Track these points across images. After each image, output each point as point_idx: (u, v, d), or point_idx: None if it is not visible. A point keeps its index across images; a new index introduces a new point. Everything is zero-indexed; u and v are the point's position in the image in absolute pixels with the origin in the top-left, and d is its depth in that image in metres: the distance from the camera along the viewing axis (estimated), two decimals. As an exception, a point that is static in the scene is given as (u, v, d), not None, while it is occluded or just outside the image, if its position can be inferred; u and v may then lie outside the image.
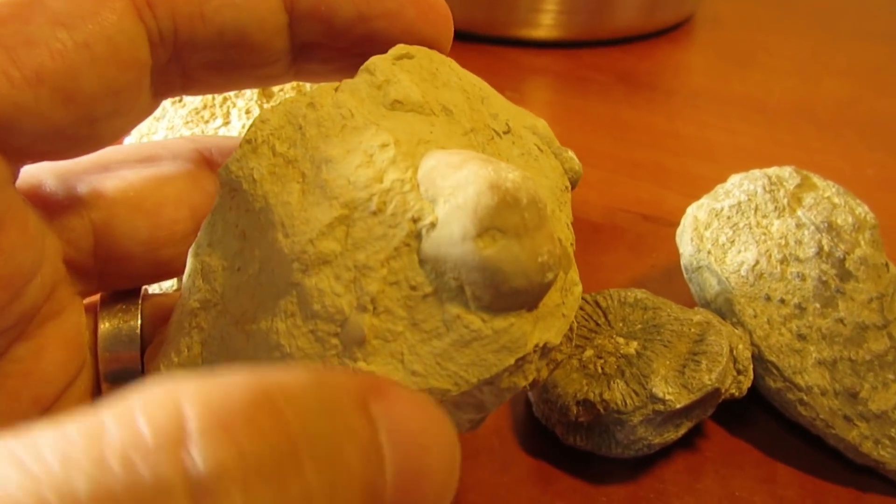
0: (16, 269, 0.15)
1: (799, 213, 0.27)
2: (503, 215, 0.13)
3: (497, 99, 0.17)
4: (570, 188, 0.17)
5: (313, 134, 0.15)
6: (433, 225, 0.13)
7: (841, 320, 0.25)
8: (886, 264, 0.26)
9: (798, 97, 0.50)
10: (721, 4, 0.66)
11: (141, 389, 0.10)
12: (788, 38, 0.60)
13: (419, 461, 0.11)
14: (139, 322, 0.19)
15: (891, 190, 0.40)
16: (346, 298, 0.14)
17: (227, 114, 0.28)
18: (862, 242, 0.26)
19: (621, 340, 0.24)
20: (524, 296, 0.14)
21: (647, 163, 0.41)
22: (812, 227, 0.26)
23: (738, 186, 0.28)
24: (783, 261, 0.26)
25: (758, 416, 0.26)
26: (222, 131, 0.28)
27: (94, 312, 0.19)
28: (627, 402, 0.23)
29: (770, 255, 0.26)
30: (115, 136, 0.17)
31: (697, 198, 0.30)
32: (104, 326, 0.18)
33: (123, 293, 0.19)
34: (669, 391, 0.23)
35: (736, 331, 0.25)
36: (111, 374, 0.18)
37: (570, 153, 0.18)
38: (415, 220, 0.14)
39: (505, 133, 0.17)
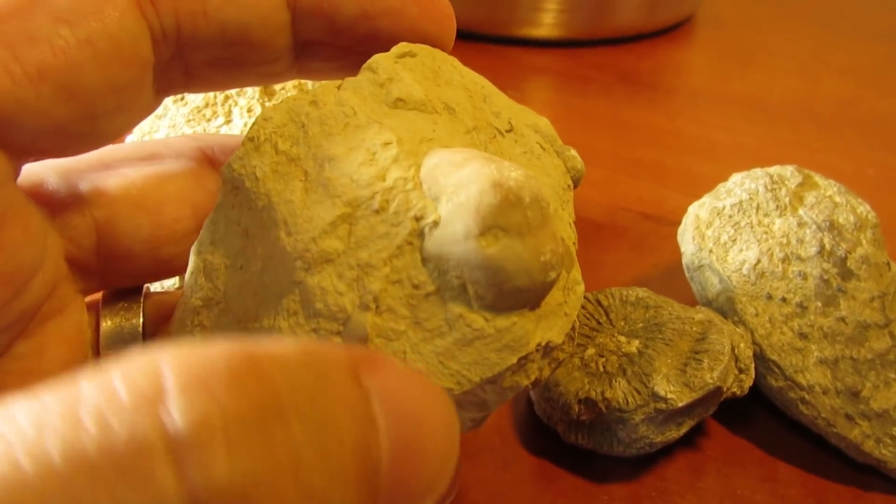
0: (17, 266, 0.15)
1: (801, 211, 0.27)
2: (506, 214, 0.13)
3: (499, 97, 0.17)
4: (572, 187, 0.17)
5: (316, 132, 0.15)
6: (436, 223, 0.13)
7: (842, 319, 0.25)
8: (888, 263, 0.26)
9: (799, 96, 0.50)
10: (722, 4, 0.66)
11: (120, 358, 0.09)
12: (789, 37, 0.60)
13: (416, 432, 0.11)
14: (141, 320, 0.19)
15: (892, 189, 0.40)
16: (348, 297, 0.14)
17: (229, 112, 0.28)
18: (863, 241, 0.26)
19: (623, 339, 0.24)
20: (527, 295, 0.14)
21: (649, 162, 0.41)
22: (814, 226, 0.26)
23: (740, 185, 0.28)
24: (785, 259, 0.26)
25: (759, 414, 0.26)
26: (224, 129, 0.28)
27: (95, 310, 0.19)
28: (629, 400, 0.23)
29: (772, 254, 0.26)
30: (117, 134, 0.17)
31: (698, 197, 0.30)
32: (106, 325, 0.18)
33: (125, 291, 0.19)
34: (671, 390, 0.23)
35: (737, 329, 0.25)
36: None
37: (573, 151, 0.18)
38: (417, 219, 0.14)
39: (507, 131, 0.17)
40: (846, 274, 0.25)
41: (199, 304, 0.16)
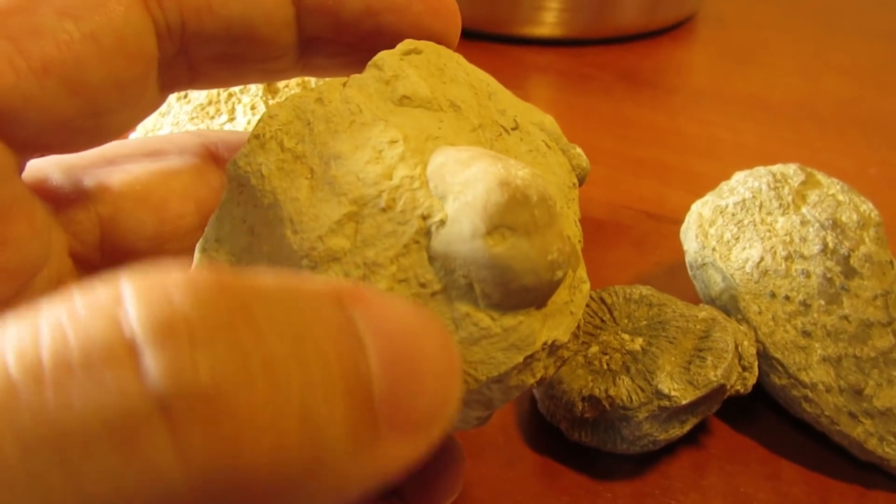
0: (23, 261, 0.15)
1: (804, 210, 0.27)
2: (513, 213, 0.13)
3: (505, 95, 0.17)
4: (577, 185, 0.17)
5: (322, 129, 0.15)
6: (443, 222, 0.13)
7: (846, 317, 0.25)
8: (891, 261, 0.26)
9: (800, 95, 0.50)
10: (723, 3, 0.66)
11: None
12: (790, 36, 0.60)
13: (408, 353, 0.11)
14: None
15: (894, 187, 0.40)
16: None
17: (233, 110, 0.28)
18: (866, 240, 0.26)
19: (626, 337, 0.24)
20: (533, 294, 0.14)
21: (651, 160, 0.41)
22: (817, 225, 0.26)
23: (743, 184, 0.28)
24: (788, 258, 0.26)
25: (762, 412, 0.26)
26: (227, 127, 0.28)
27: None
28: (633, 398, 0.23)
29: (775, 252, 0.26)
30: (122, 130, 0.17)
31: (700, 195, 0.30)
32: None
33: None
34: (675, 387, 0.23)
35: (741, 327, 0.25)
36: None
37: (578, 150, 0.17)
38: (424, 218, 0.14)
39: (513, 129, 0.17)
40: (849, 272, 0.25)
41: None
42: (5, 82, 0.14)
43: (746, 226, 0.27)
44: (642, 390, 0.23)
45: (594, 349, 0.24)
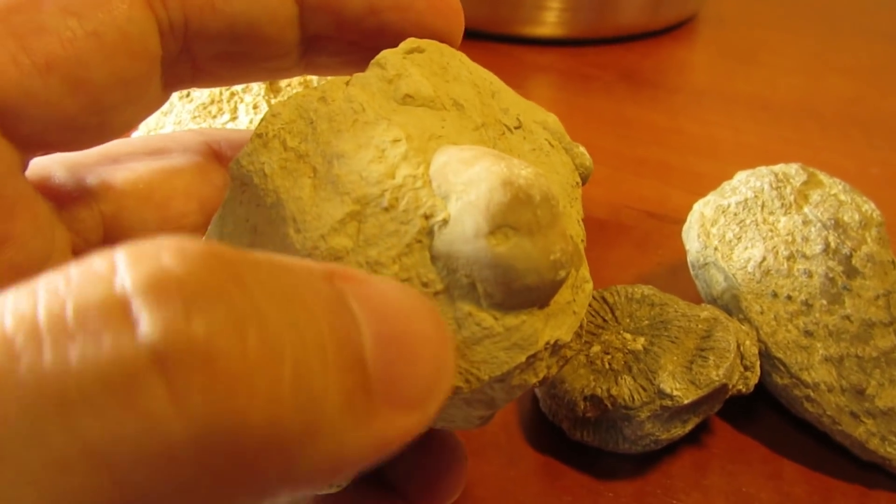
0: (26, 258, 0.15)
1: (806, 210, 0.27)
2: (516, 212, 0.13)
3: (508, 93, 0.17)
4: (580, 184, 0.17)
5: (324, 128, 0.15)
6: (445, 222, 0.13)
7: (847, 317, 0.25)
8: (893, 261, 0.26)
9: (802, 95, 0.50)
10: (724, 3, 0.66)
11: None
12: (792, 36, 0.60)
13: (400, 330, 0.11)
14: None
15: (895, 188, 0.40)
16: None
17: (235, 109, 0.28)
18: (868, 239, 0.26)
19: (628, 336, 0.24)
20: (536, 293, 0.14)
21: (652, 160, 0.41)
22: (819, 224, 0.26)
23: (745, 183, 0.28)
24: (790, 257, 0.26)
25: (764, 412, 0.26)
26: (230, 126, 0.28)
27: None
28: (635, 397, 0.23)
29: (777, 252, 0.26)
30: (125, 128, 0.17)
31: (702, 195, 0.30)
32: None
33: None
34: (677, 387, 0.23)
35: (743, 327, 0.25)
36: None
37: (581, 148, 0.17)
38: (427, 217, 0.14)
39: (516, 128, 0.17)
40: (851, 272, 0.25)
41: None
42: (9, 79, 0.14)
43: (748, 225, 0.27)
44: (644, 390, 0.23)
45: (596, 348, 0.24)
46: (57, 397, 0.08)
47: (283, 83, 0.30)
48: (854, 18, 0.64)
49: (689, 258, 0.29)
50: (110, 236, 0.18)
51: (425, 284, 0.14)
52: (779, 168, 0.29)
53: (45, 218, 0.16)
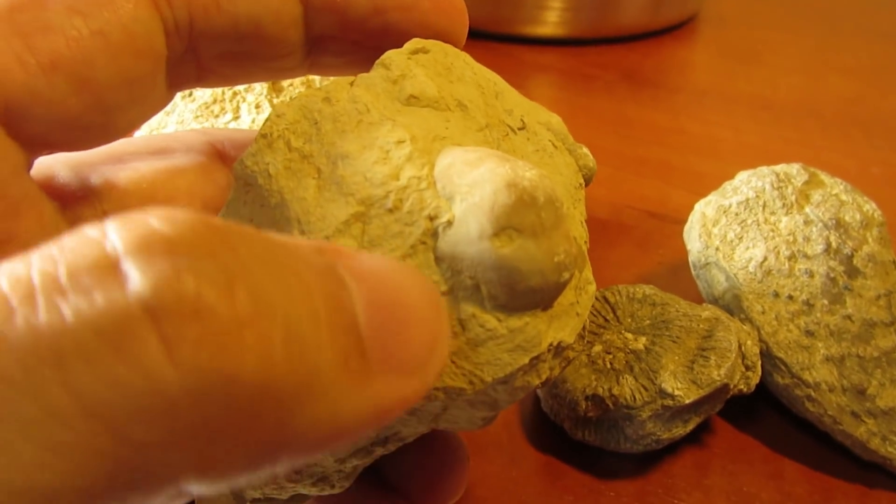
0: None
1: (807, 209, 0.27)
2: (520, 214, 0.13)
3: (511, 94, 0.17)
4: (584, 185, 0.17)
5: (329, 129, 0.15)
6: (450, 223, 0.13)
7: (849, 317, 0.25)
8: (894, 261, 0.26)
9: (803, 95, 0.50)
10: (725, 2, 0.66)
11: None
12: (793, 35, 0.60)
13: (392, 296, 0.11)
14: None
15: (896, 187, 0.40)
16: None
17: (237, 108, 0.28)
18: (870, 239, 0.26)
19: (630, 336, 0.24)
20: (540, 295, 0.14)
21: (653, 160, 0.41)
22: (820, 224, 0.26)
23: (746, 183, 0.29)
24: (791, 257, 0.26)
25: (765, 412, 0.27)
26: (232, 125, 0.28)
27: None
28: (636, 397, 0.23)
29: (778, 252, 0.26)
30: (129, 128, 0.17)
31: (703, 195, 0.30)
32: None
33: None
34: (678, 386, 0.23)
35: (744, 327, 0.25)
36: None
37: (585, 149, 0.18)
38: (431, 218, 0.14)
39: (520, 129, 0.17)
40: (852, 272, 0.25)
41: None
42: (14, 78, 0.14)
43: (750, 225, 0.27)
44: (646, 389, 0.23)
45: (598, 348, 0.24)
46: (52, 352, 0.08)
47: (285, 83, 0.30)
48: (854, 18, 0.64)
49: (691, 258, 0.29)
50: None
51: None
52: (780, 168, 0.29)
53: (50, 217, 0.16)
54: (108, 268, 0.09)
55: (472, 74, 0.16)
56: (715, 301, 0.27)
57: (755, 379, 0.24)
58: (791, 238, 0.26)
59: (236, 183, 0.16)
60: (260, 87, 0.29)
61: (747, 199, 0.28)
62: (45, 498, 0.08)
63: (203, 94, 0.29)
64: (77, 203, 0.18)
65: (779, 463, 0.25)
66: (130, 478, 0.09)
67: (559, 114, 0.18)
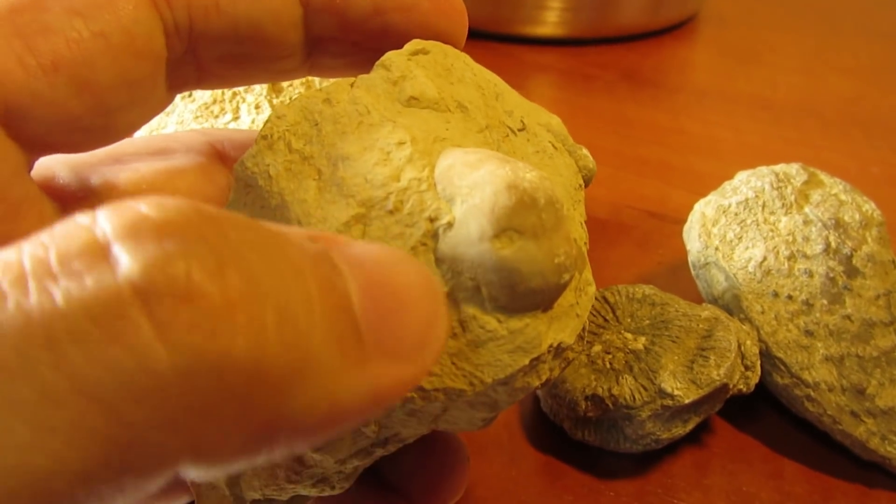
0: None
1: (806, 209, 0.27)
2: (521, 216, 0.13)
3: (511, 95, 0.17)
4: (583, 186, 0.17)
5: (329, 130, 0.15)
6: (450, 225, 0.13)
7: (848, 317, 0.25)
8: (893, 261, 0.26)
9: (803, 95, 0.50)
10: (725, 2, 0.66)
11: None
12: (793, 35, 0.60)
13: (386, 280, 0.11)
14: None
15: (896, 187, 0.40)
16: None
17: (237, 109, 0.28)
18: (869, 239, 0.26)
19: (629, 336, 0.25)
20: (540, 296, 0.14)
21: (653, 160, 0.41)
22: (819, 224, 0.26)
23: (746, 183, 0.29)
24: (791, 257, 0.26)
25: (765, 412, 0.27)
26: (232, 126, 0.28)
27: None
28: (636, 396, 0.23)
29: (777, 252, 0.26)
30: (130, 130, 0.17)
31: (703, 195, 0.30)
32: None
33: None
34: (678, 386, 0.23)
35: (744, 327, 0.25)
36: None
37: (584, 151, 0.18)
38: (432, 220, 0.14)
39: (520, 130, 0.17)
40: (852, 272, 0.25)
41: None
42: (15, 80, 0.14)
43: (749, 225, 0.27)
44: (645, 389, 0.23)
45: (597, 348, 0.24)
46: (44, 334, 0.08)
47: (285, 84, 0.30)
48: (854, 18, 0.64)
49: (690, 258, 0.29)
50: None
51: None
52: (779, 168, 0.29)
53: (51, 218, 0.16)
54: (99, 252, 0.09)
55: (472, 76, 0.17)
56: (714, 301, 0.27)
57: (754, 379, 0.24)
58: (790, 238, 0.26)
59: (237, 184, 0.16)
60: (259, 88, 0.29)
61: (747, 199, 0.28)
62: (41, 478, 0.08)
63: (203, 94, 0.29)
64: (77, 204, 0.18)
65: (778, 462, 0.25)
66: (125, 459, 0.09)
67: (559, 114, 0.18)
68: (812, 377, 0.24)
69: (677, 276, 0.32)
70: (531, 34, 0.55)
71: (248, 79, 0.18)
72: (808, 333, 0.25)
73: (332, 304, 0.10)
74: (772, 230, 0.27)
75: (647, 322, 0.25)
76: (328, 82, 0.28)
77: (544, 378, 0.15)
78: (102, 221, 0.09)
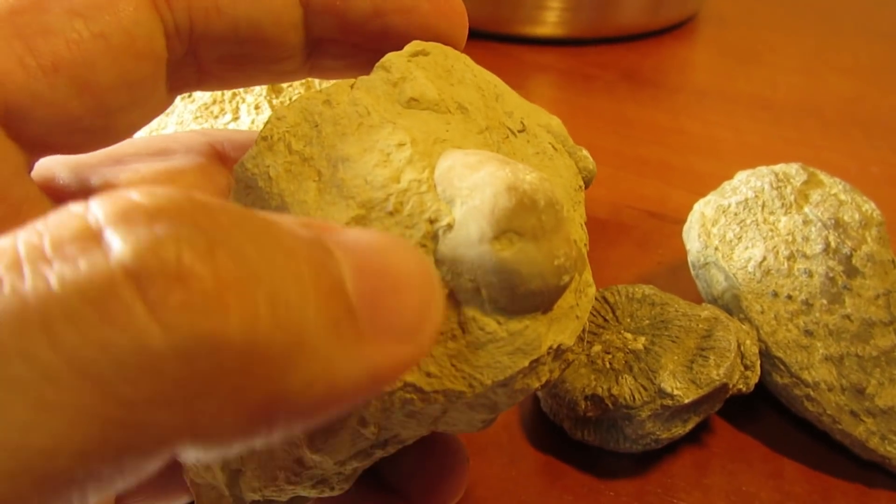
0: None
1: (806, 209, 0.27)
2: (520, 218, 0.13)
3: (511, 96, 0.17)
4: (583, 187, 0.17)
5: (329, 132, 0.15)
6: (450, 226, 0.13)
7: (848, 316, 0.25)
8: (893, 261, 0.26)
9: (803, 95, 0.50)
10: (725, 2, 0.66)
11: None
12: (793, 35, 0.60)
13: (380, 264, 0.11)
14: None
15: None
16: None
17: (237, 109, 0.28)
18: (869, 239, 0.26)
19: (629, 336, 0.25)
20: (540, 298, 0.14)
21: (653, 160, 0.42)
22: (819, 224, 0.26)
23: (746, 183, 0.29)
24: (790, 257, 0.26)
25: (765, 411, 0.27)
26: (232, 126, 0.28)
27: None
28: (636, 396, 0.23)
29: (777, 252, 0.26)
30: (130, 131, 0.17)
31: (702, 195, 0.30)
32: None
33: None
34: (677, 386, 0.23)
35: (743, 326, 0.25)
36: None
37: (584, 152, 0.18)
38: (432, 222, 0.14)
39: (520, 131, 0.17)
40: (851, 271, 0.25)
41: None
42: (15, 81, 0.14)
43: (749, 225, 0.27)
44: (645, 389, 0.23)
45: (597, 348, 0.24)
46: (40, 316, 0.08)
47: (284, 84, 0.30)
48: (854, 18, 0.64)
49: (690, 258, 0.29)
50: None
51: None
52: (779, 168, 0.29)
53: None
54: (91, 237, 0.09)
55: (472, 77, 0.17)
56: (714, 301, 0.27)
57: (754, 378, 0.24)
58: (790, 238, 0.26)
59: (237, 185, 0.16)
60: (259, 89, 0.29)
61: (746, 199, 0.28)
62: (40, 457, 0.08)
63: (202, 95, 0.29)
64: None
65: (778, 462, 0.25)
66: (123, 437, 0.09)
67: (559, 114, 0.18)
68: (812, 377, 0.24)
69: (677, 276, 0.32)
70: (531, 34, 0.55)
71: (248, 80, 0.18)
72: (808, 333, 0.25)
73: (325, 285, 0.10)
74: (771, 230, 0.27)
75: (647, 322, 0.25)
76: (328, 83, 0.28)
77: (544, 380, 0.15)
78: (95, 209, 0.09)
